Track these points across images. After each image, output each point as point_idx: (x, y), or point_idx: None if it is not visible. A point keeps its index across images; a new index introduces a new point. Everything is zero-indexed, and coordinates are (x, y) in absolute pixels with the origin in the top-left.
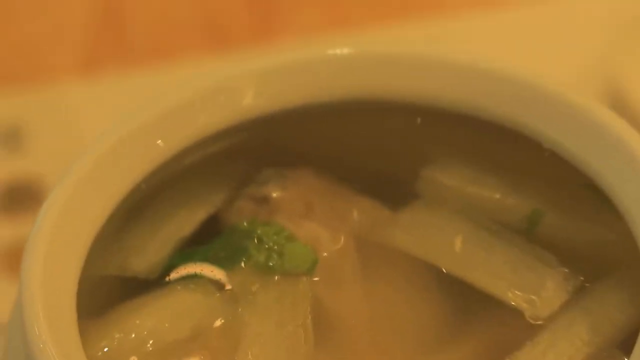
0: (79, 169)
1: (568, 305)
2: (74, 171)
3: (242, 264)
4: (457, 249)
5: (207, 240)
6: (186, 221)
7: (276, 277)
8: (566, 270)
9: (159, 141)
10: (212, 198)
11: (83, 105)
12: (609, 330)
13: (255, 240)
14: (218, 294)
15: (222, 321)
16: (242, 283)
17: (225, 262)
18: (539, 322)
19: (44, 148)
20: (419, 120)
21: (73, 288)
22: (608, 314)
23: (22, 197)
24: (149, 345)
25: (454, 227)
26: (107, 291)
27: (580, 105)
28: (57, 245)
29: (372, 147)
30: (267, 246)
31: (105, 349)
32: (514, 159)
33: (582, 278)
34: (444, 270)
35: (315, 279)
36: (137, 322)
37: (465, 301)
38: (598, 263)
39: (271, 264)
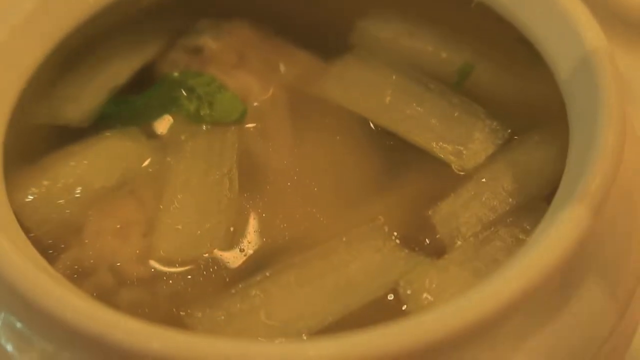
0: (10, 19)
1: (495, 157)
2: (5, 21)
3: (173, 113)
4: (387, 101)
5: (141, 90)
6: (120, 71)
7: (205, 127)
8: (494, 123)
9: None
10: (146, 49)
11: None
12: (535, 183)
13: (186, 91)
14: (147, 142)
15: (150, 169)
16: (171, 132)
17: (156, 111)
18: (465, 174)
19: None
20: None
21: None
22: (534, 167)
23: None
24: (77, 191)
25: (385, 79)
26: (40, 139)
27: None
28: None
29: None
30: (197, 96)
31: (33, 196)
32: (447, 14)
33: (510, 131)
34: (372, 124)
35: (247, 125)
36: (66, 169)
37: (394, 153)
38: (527, 117)
39: (201, 114)
